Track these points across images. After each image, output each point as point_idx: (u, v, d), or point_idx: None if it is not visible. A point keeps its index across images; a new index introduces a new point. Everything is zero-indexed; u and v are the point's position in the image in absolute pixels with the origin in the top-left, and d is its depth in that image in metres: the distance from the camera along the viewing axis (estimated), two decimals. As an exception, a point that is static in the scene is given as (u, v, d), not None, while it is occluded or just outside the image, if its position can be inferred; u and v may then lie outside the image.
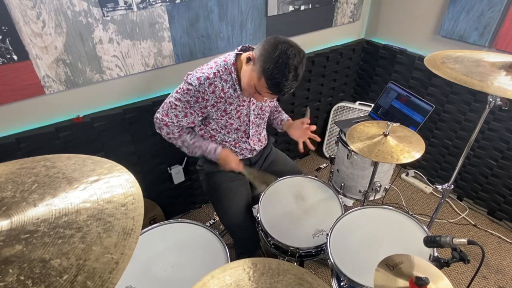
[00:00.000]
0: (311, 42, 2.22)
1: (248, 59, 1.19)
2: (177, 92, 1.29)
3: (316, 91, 2.42)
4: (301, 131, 1.45)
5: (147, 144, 1.78)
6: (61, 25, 1.30)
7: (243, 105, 1.36)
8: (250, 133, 1.45)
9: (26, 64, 1.29)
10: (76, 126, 1.50)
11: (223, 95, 1.27)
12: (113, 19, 1.40)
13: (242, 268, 0.89)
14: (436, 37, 2.08)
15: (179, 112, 1.30)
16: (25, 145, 1.41)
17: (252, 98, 1.36)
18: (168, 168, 1.94)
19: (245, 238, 1.51)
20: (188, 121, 1.33)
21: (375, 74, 2.50)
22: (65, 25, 1.31)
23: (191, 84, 1.24)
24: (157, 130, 1.39)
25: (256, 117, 1.44)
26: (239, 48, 1.30)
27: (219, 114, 1.33)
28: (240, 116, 1.38)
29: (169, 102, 1.31)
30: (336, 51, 2.33)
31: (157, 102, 1.69)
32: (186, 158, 1.97)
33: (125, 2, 1.39)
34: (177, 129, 1.36)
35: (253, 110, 1.40)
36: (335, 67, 2.41)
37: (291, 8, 1.94)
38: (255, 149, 1.53)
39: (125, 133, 1.67)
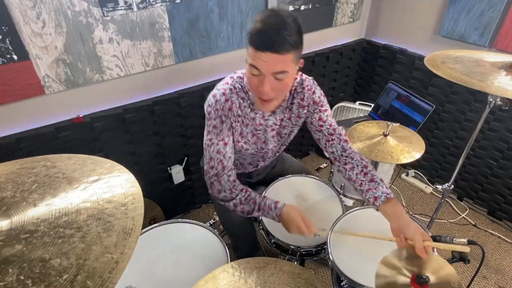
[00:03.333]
0: (311, 42, 2.22)
1: (246, 61, 1.02)
2: (205, 129, 1.15)
3: (316, 91, 2.42)
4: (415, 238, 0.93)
5: (147, 144, 1.78)
6: (61, 25, 1.30)
7: (259, 130, 1.22)
8: (266, 156, 1.36)
9: (26, 64, 1.29)
10: (76, 126, 1.50)
11: (240, 113, 1.14)
12: (113, 19, 1.40)
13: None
14: (436, 37, 2.08)
15: (218, 143, 1.12)
16: (25, 145, 1.41)
17: (271, 124, 1.21)
18: (168, 168, 1.94)
19: (245, 240, 1.51)
20: (230, 148, 1.15)
21: (375, 74, 2.50)
22: (65, 25, 1.31)
23: (210, 106, 1.11)
24: (210, 191, 1.18)
25: (276, 144, 1.31)
26: None
27: (235, 139, 1.19)
28: (257, 141, 1.25)
29: (205, 144, 1.15)
30: (336, 51, 2.33)
31: (157, 102, 1.69)
32: (186, 158, 1.97)
33: (125, 2, 1.39)
34: (228, 181, 1.15)
35: (272, 137, 1.26)
36: (335, 67, 2.41)
37: (291, 8, 1.94)
38: (266, 165, 1.48)
39: (125, 133, 1.67)
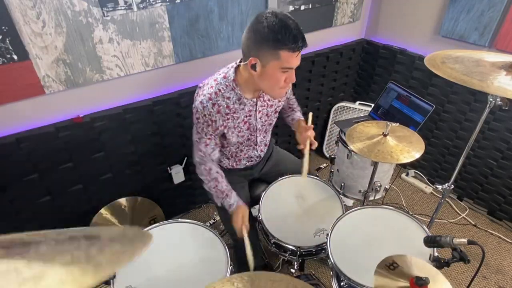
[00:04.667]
0: (311, 42, 2.20)
1: (253, 67, 1.11)
2: (194, 128, 1.30)
3: (316, 91, 2.42)
4: (302, 136, 1.41)
5: (147, 144, 1.78)
6: (61, 25, 1.30)
7: (250, 115, 1.32)
8: (258, 140, 1.43)
9: (26, 64, 1.29)
10: (76, 126, 1.50)
11: (228, 111, 1.24)
12: (113, 19, 1.40)
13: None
14: (436, 37, 2.08)
15: (205, 140, 1.29)
16: (25, 145, 1.41)
17: (258, 107, 1.31)
18: (168, 168, 1.94)
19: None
20: (214, 145, 1.32)
21: (375, 74, 2.50)
22: (65, 25, 1.30)
23: (197, 111, 1.23)
24: (200, 176, 1.38)
25: (264, 124, 1.40)
26: (237, 61, 1.24)
27: (230, 132, 1.31)
28: (249, 126, 1.35)
29: (194, 140, 1.33)
30: (336, 51, 2.33)
31: (157, 102, 1.69)
32: (186, 158, 1.97)
33: (125, 2, 1.39)
34: (210, 166, 1.35)
35: (260, 118, 1.36)
36: (335, 67, 2.41)
37: (291, 8, 1.94)
38: (260, 156, 1.51)
39: (125, 133, 1.67)
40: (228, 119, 1.26)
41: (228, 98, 1.22)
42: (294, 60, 1.09)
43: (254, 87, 1.23)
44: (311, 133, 1.39)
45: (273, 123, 1.47)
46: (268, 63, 1.09)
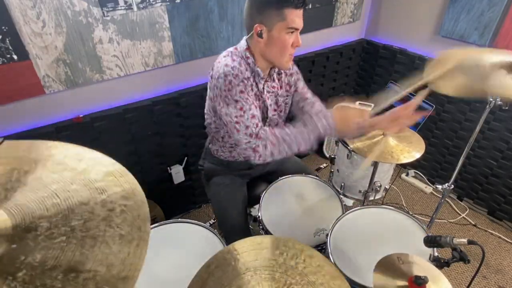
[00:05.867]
0: (311, 42, 2.22)
1: (259, 35, 1.11)
2: (222, 104, 1.13)
3: (316, 91, 2.41)
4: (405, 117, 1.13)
5: (147, 144, 1.78)
6: (61, 25, 1.30)
7: (260, 98, 1.25)
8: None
9: (26, 64, 1.29)
10: (76, 126, 1.51)
11: (245, 81, 1.13)
12: (113, 19, 1.40)
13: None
14: (436, 37, 2.08)
15: (250, 107, 1.11)
16: (25, 145, 1.41)
17: (265, 92, 1.25)
18: (168, 168, 1.94)
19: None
20: (259, 110, 1.17)
21: (375, 74, 2.50)
22: (65, 25, 1.31)
23: (226, 75, 1.09)
24: (254, 159, 1.12)
25: (274, 113, 1.33)
26: (245, 37, 1.22)
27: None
28: (262, 107, 1.28)
29: (233, 115, 1.11)
30: (336, 51, 2.33)
31: (157, 102, 1.69)
32: (186, 158, 1.97)
33: (125, 2, 1.39)
34: (265, 131, 1.13)
35: (270, 106, 1.29)
36: (335, 67, 2.41)
37: (291, 8, 1.93)
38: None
39: (125, 133, 1.67)
40: (246, 88, 1.13)
41: (246, 67, 1.17)
42: (298, 18, 1.10)
43: (265, 58, 1.19)
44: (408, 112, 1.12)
45: (284, 116, 1.41)
46: (274, 26, 1.09)
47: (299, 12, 1.09)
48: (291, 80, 1.36)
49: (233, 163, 1.45)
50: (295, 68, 1.39)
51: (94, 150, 0.58)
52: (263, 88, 1.25)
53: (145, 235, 0.47)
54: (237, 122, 1.11)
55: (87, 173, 0.53)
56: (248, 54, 1.18)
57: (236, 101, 1.10)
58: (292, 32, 1.12)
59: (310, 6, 2.01)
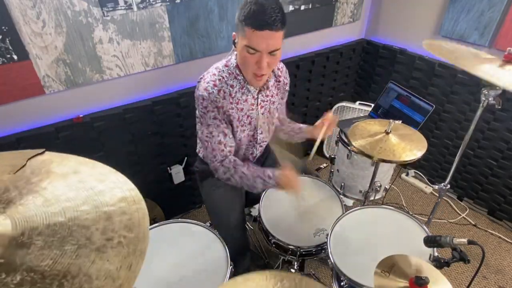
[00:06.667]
0: (311, 42, 2.21)
1: (234, 43, 1.12)
2: (200, 121, 1.23)
3: (316, 91, 2.42)
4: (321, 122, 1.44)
5: (147, 144, 1.78)
6: (61, 25, 1.30)
7: (252, 109, 1.27)
8: (259, 138, 1.38)
9: (26, 64, 1.29)
10: (76, 126, 1.50)
11: (232, 100, 1.20)
12: (113, 19, 1.40)
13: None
14: (436, 37, 2.08)
15: (218, 134, 1.20)
16: (25, 145, 1.41)
17: (259, 102, 1.27)
18: (168, 168, 1.94)
19: (234, 243, 1.45)
20: (229, 138, 1.23)
21: (375, 74, 2.50)
22: (65, 25, 1.30)
23: (204, 99, 1.15)
24: (216, 175, 1.25)
25: (265, 121, 1.35)
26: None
27: (235, 126, 1.25)
28: (251, 121, 1.30)
29: (204, 135, 1.21)
30: (336, 51, 2.33)
31: (157, 102, 1.69)
32: (186, 158, 1.97)
33: (125, 2, 1.39)
34: (230, 162, 1.22)
35: (262, 114, 1.32)
36: (335, 67, 2.41)
37: (291, 8, 1.93)
38: (256, 155, 1.46)
39: (125, 133, 1.67)
40: (233, 108, 1.20)
41: (232, 86, 1.19)
42: (258, 40, 1.01)
43: None
44: (331, 117, 1.40)
45: (274, 124, 1.45)
46: (238, 39, 1.08)
47: (263, 34, 1.00)
48: (285, 88, 1.41)
49: None
50: (288, 79, 1.42)
51: (120, 173, 0.58)
52: (257, 99, 1.27)
53: (131, 277, 0.45)
54: (206, 141, 1.22)
55: (102, 195, 0.53)
56: (237, 72, 1.19)
57: (208, 125, 1.19)
58: (251, 53, 1.06)
59: (310, 6, 2.01)
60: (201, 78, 1.22)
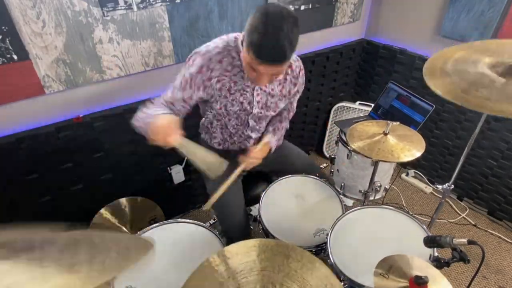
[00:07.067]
0: (311, 42, 2.21)
1: (241, 43, 1.10)
2: (181, 72, 1.19)
3: (316, 91, 2.42)
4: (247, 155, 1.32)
5: (147, 144, 1.77)
6: (61, 25, 1.30)
7: (247, 90, 1.22)
8: (250, 123, 1.35)
9: (26, 64, 1.29)
10: (76, 126, 1.50)
11: (229, 69, 1.15)
12: (113, 19, 1.40)
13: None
14: (436, 37, 2.08)
15: (181, 94, 1.18)
16: (25, 145, 1.41)
17: (255, 87, 1.23)
18: (168, 168, 1.94)
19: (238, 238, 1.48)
20: (184, 95, 1.19)
21: (375, 74, 2.50)
22: (65, 25, 1.30)
23: (197, 53, 1.13)
24: (135, 117, 1.21)
25: (261, 110, 1.31)
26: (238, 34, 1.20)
27: (222, 94, 1.20)
28: (243, 102, 1.24)
29: (174, 83, 1.21)
30: (336, 51, 2.33)
31: (157, 102, 1.69)
32: (186, 158, 1.97)
33: (125, 2, 1.39)
34: (151, 105, 1.20)
35: (257, 102, 1.27)
36: (335, 67, 2.41)
37: (291, 8, 1.93)
38: (253, 138, 1.43)
39: (125, 133, 1.67)
40: (226, 76, 1.17)
41: (234, 57, 1.15)
42: (259, 66, 1.01)
43: None
44: (256, 154, 1.29)
45: (270, 117, 1.40)
46: (244, 43, 1.05)
47: (266, 65, 1.00)
48: (292, 89, 1.34)
49: (228, 151, 1.45)
50: (301, 85, 1.37)
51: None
52: (253, 91, 1.24)
53: None
54: (171, 86, 1.23)
55: None
56: (234, 54, 1.16)
57: (182, 80, 1.18)
58: (253, 70, 1.05)
59: (310, 6, 2.01)
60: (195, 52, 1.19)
